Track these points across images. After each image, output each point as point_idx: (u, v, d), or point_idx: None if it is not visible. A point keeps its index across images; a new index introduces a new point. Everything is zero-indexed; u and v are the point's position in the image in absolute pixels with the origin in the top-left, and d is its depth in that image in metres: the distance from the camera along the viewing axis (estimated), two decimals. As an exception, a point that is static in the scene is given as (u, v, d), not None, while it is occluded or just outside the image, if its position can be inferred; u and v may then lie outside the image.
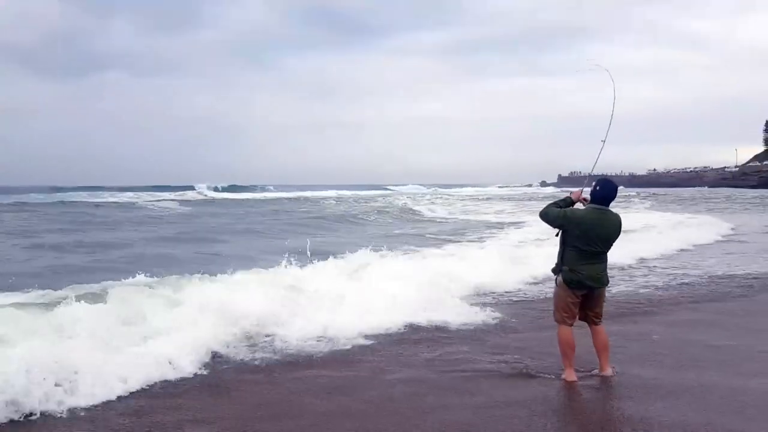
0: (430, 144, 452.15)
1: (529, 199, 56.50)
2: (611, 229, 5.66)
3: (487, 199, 58.63)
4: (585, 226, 5.60)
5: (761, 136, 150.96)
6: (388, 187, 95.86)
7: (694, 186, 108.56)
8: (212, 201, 47.00)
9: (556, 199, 5.95)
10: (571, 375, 5.71)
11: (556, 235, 5.86)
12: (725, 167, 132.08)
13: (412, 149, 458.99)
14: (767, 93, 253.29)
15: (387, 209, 36.16)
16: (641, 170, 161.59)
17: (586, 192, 5.86)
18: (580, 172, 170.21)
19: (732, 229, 21.91)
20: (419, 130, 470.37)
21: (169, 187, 72.61)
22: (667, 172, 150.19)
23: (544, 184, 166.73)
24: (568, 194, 5.96)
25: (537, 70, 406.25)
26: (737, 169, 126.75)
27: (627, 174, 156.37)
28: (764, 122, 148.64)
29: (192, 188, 67.54)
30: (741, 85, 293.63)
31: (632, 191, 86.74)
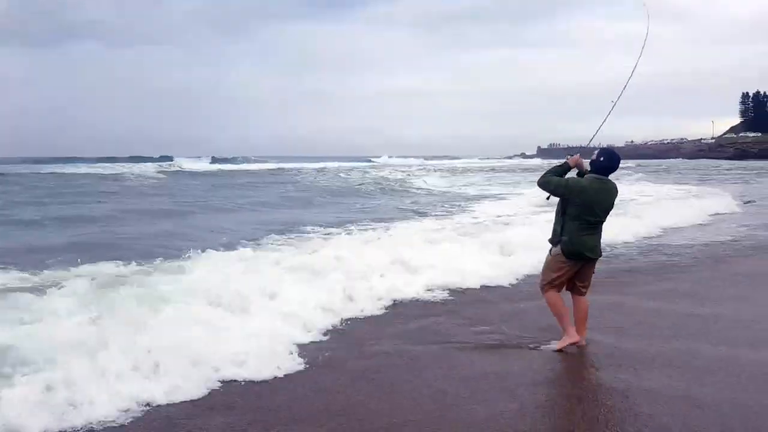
0: (410, 116, 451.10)
1: (511, 171, 56.71)
2: (611, 200, 5.71)
3: (467, 170, 58.69)
4: (587, 196, 5.59)
5: (737, 108, 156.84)
6: (371, 160, 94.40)
7: (671, 158, 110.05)
8: (193, 173, 46.36)
9: (553, 166, 5.89)
10: (574, 334, 5.76)
11: (547, 198, 5.93)
12: (702, 139, 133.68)
13: (392, 121, 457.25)
14: (744, 65, 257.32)
15: (378, 182, 35.82)
16: (619, 142, 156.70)
17: (586, 162, 5.85)
18: (558, 144, 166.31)
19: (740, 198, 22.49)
20: (399, 102, 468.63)
21: (150, 158, 71.23)
22: (645, 143, 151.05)
23: (523, 156, 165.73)
24: (565, 160, 5.89)
25: (516, 42, 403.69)
26: (713, 140, 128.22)
27: (605, 145, 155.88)
28: (740, 94, 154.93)
29: (170, 159, 66.53)
30: (719, 57, 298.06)
31: None
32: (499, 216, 16.72)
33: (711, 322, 6.80)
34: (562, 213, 5.71)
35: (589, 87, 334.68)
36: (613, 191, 5.73)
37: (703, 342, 6.04)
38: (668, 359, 5.51)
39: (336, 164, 67.32)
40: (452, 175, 47.45)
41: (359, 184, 33.07)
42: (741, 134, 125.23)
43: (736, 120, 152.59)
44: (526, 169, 57.62)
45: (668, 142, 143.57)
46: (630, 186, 27.18)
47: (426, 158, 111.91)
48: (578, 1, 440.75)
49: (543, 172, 5.81)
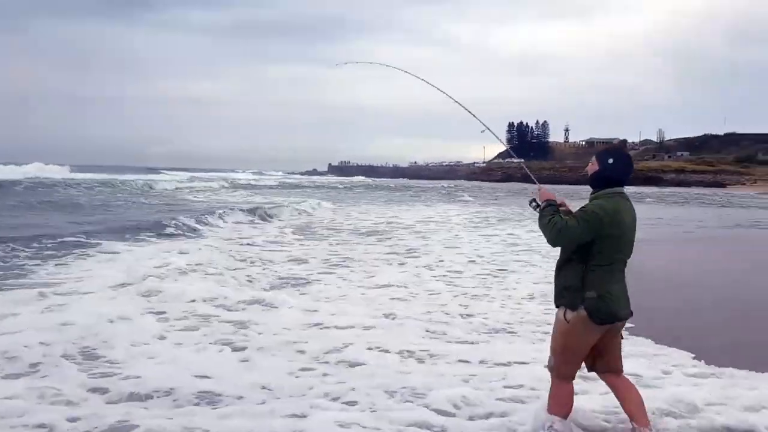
0: (202, 127, 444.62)
1: (314, 186, 57.59)
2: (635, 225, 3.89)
3: (265, 187, 54.94)
4: (625, 225, 3.76)
5: (504, 136, 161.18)
6: (162, 171, 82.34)
7: (449, 179, 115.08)
8: None
9: (543, 209, 3.92)
10: None
11: (535, 206, 3.99)
12: (475, 162, 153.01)
13: (182, 131, 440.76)
14: (510, 97, 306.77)
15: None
16: (403, 162, 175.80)
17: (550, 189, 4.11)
18: (349, 162, 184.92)
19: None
20: (190, 112, 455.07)
21: None
22: (427, 165, 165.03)
23: (314, 172, 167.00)
24: (545, 200, 3.96)
25: (312, 59, 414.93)
26: (485, 164, 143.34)
27: (391, 165, 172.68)
28: (507, 123, 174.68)
29: None
30: (489, 87, 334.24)
31: (391, 182, 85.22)
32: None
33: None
34: (579, 258, 3.76)
35: (378, 108, 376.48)
36: (634, 212, 3.89)
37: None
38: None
39: (111, 176, 50.77)
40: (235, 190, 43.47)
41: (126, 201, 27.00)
42: (507, 159, 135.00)
43: (503, 146, 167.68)
44: (322, 187, 58.54)
45: (446, 165, 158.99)
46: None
47: (212, 171, 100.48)
48: (370, 25, 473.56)
49: (548, 229, 3.78)
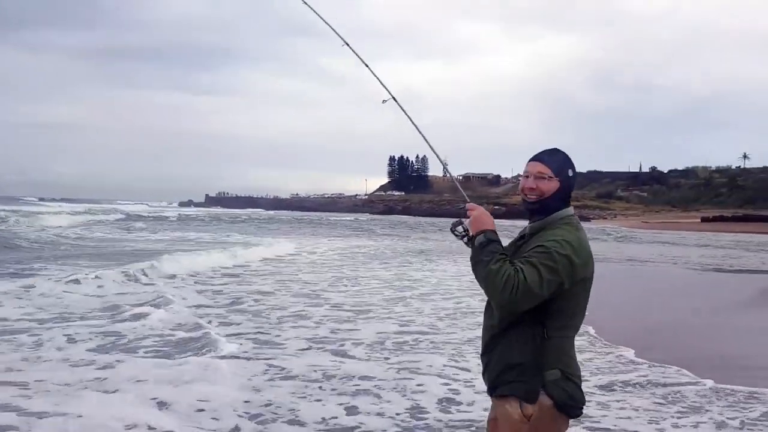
0: (66, 153, 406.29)
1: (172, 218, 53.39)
2: None
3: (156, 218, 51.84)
4: (593, 265, 2.61)
5: (386, 169, 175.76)
6: (26, 199, 74.09)
7: (331, 210, 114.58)
8: None
9: (479, 247, 2.51)
10: None
11: (463, 235, 2.64)
12: (357, 195, 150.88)
13: (42, 158, 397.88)
14: (392, 131, 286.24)
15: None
16: (284, 194, 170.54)
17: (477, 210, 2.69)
18: (227, 193, 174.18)
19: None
20: (50, 137, 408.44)
21: None
22: (308, 196, 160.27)
23: (191, 203, 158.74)
24: (462, 225, 2.65)
25: (187, 87, 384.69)
26: (367, 197, 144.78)
27: (272, 197, 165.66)
28: (388, 157, 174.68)
29: None
30: (371, 122, 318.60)
31: (284, 214, 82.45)
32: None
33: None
34: (533, 319, 2.51)
35: (253, 139, 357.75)
36: None
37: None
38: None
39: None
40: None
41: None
42: (388, 192, 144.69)
43: (385, 179, 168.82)
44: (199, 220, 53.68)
45: (328, 196, 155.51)
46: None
47: (87, 202, 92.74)
48: (245, 55, 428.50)
49: (493, 284, 2.40)
